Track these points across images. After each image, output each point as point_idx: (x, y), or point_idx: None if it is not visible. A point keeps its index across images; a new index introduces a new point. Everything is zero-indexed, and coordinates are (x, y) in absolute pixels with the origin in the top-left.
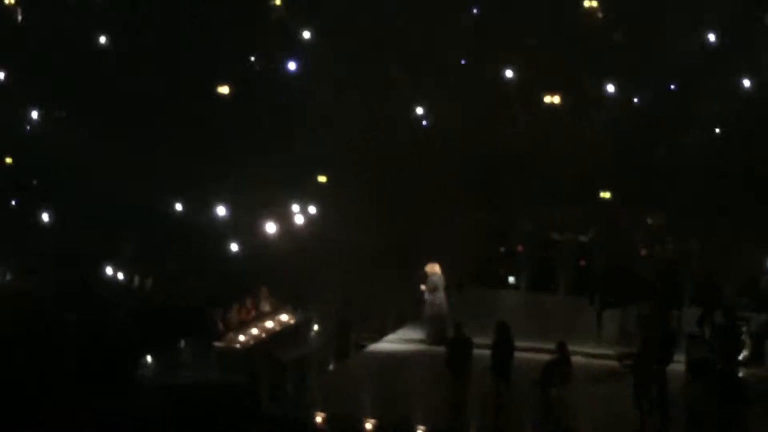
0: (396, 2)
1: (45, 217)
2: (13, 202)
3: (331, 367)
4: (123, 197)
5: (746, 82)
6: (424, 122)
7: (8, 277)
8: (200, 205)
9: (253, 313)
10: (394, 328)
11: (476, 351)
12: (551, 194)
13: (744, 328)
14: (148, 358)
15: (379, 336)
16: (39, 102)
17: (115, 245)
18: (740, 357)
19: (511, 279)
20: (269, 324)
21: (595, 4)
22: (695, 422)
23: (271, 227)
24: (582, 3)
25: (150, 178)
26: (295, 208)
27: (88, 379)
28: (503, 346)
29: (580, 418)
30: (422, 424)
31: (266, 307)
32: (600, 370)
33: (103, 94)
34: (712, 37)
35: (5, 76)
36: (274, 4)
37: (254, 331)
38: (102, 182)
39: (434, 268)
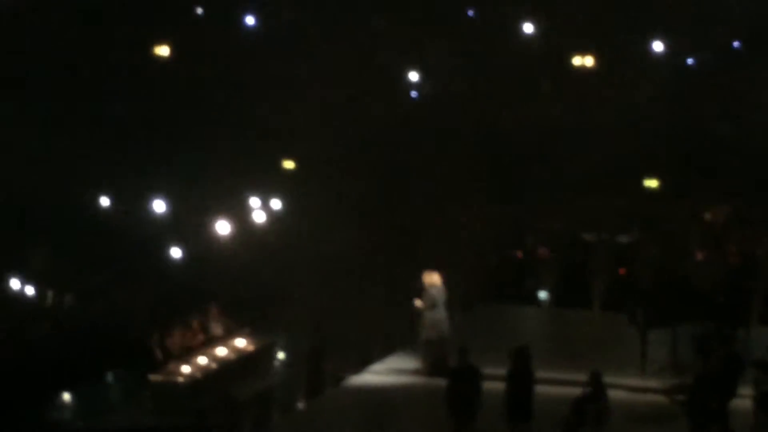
0: None
1: None
2: None
3: (300, 405)
4: (33, 190)
5: None
6: (419, 91)
7: None
8: (132, 200)
9: (201, 337)
10: (380, 356)
11: (486, 384)
12: (582, 183)
13: None
14: (66, 396)
15: (361, 366)
16: None
17: (23, 252)
18: None
19: (542, 295)
20: (221, 351)
21: None
22: None
23: (223, 227)
24: None
25: (68, 166)
26: (255, 202)
27: None
28: (521, 378)
29: None
30: None
31: (217, 330)
32: (645, 407)
33: (5, 59)
34: None
35: None
36: None
37: (202, 360)
38: (5, 171)
39: (433, 279)
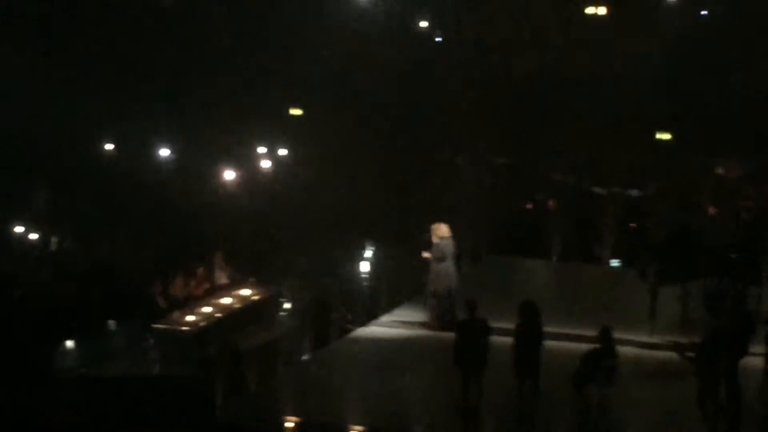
0: None
1: None
2: None
3: (305, 357)
4: (36, 134)
5: None
6: (429, 39)
7: None
8: (136, 145)
9: (206, 286)
10: (388, 308)
11: (494, 338)
12: (593, 135)
13: None
14: (69, 343)
15: (368, 318)
16: None
17: (27, 197)
18: None
19: (614, 263)
20: (226, 300)
21: None
22: None
23: (229, 174)
24: None
25: (71, 110)
26: (261, 149)
27: None
28: (529, 332)
29: (627, 427)
30: None
31: (222, 278)
32: (654, 364)
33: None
34: None
35: None
36: None
37: (206, 309)
38: (7, 115)
39: (442, 231)
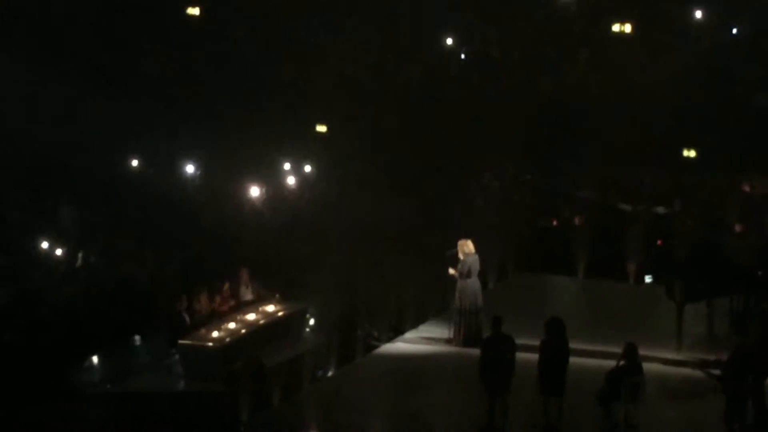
0: None
1: None
2: None
3: (330, 373)
4: (63, 151)
5: None
6: (455, 57)
7: None
8: (163, 163)
9: (231, 302)
10: (413, 324)
11: (520, 355)
12: (619, 152)
13: None
14: (95, 359)
15: (394, 334)
16: None
17: (53, 213)
18: None
19: (648, 278)
20: (251, 317)
21: None
22: None
23: (255, 192)
24: None
25: (99, 127)
26: (287, 166)
27: (17, 384)
28: (555, 349)
29: None
30: None
31: (247, 295)
32: (680, 381)
33: (36, 19)
34: None
35: None
36: None
37: (231, 325)
38: (35, 130)
39: (468, 247)
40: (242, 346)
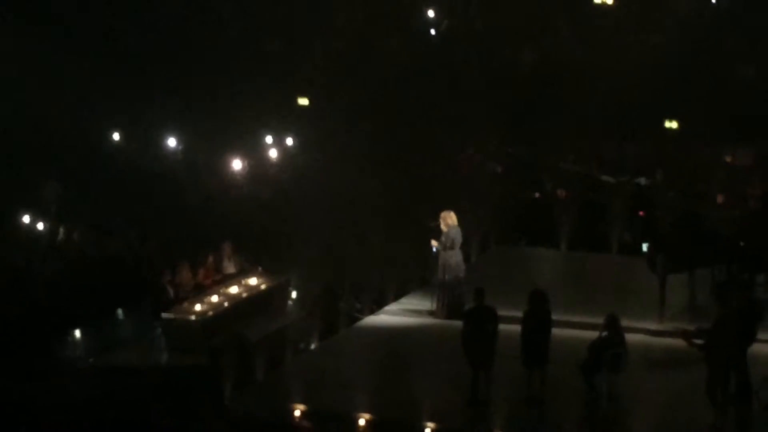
0: None
1: None
2: None
3: (313, 346)
4: (44, 124)
5: None
6: (436, 29)
7: None
8: (144, 136)
9: (214, 275)
10: (396, 297)
11: (502, 327)
12: (602, 124)
13: None
14: (76, 333)
15: (376, 306)
16: None
17: (34, 186)
18: None
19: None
20: (234, 290)
21: None
22: None
23: (237, 164)
24: None
25: (80, 100)
26: (269, 139)
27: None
28: (538, 320)
29: (635, 415)
30: (431, 423)
31: (230, 268)
32: (663, 351)
33: None
34: None
35: None
36: None
37: (214, 298)
38: (17, 104)
39: (451, 219)
40: (225, 320)
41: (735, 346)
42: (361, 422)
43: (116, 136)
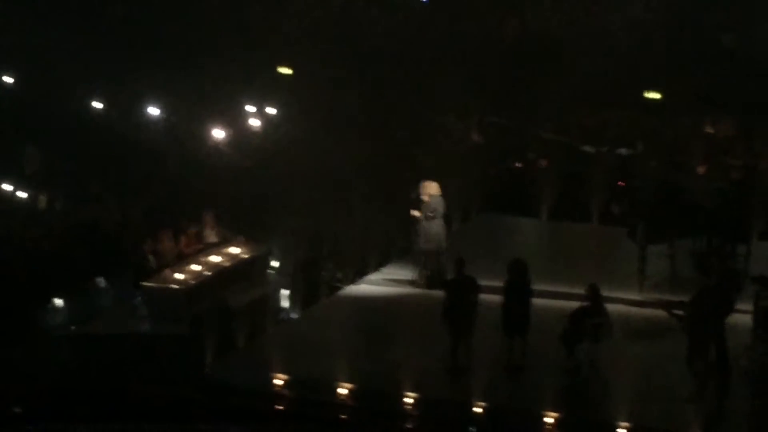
0: None
1: None
2: None
3: (294, 315)
4: (25, 91)
5: None
6: None
7: None
8: (123, 104)
9: (195, 244)
10: (376, 266)
11: (483, 296)
12: (582, 93)
13: None
14: (58, 301)
15: (357, 276)
16: None
17: (14, 154)
18: None
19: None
20: (215, 259)
21: None
22: (764, 390)
23: (218, 134)
24: None
25: (61, 67)
26: (250, 108)
27: None
28: (518, 290)
29: (616, 384)
30: (412, 392)
31: (212, 237)
32: (643, 321)
33: None
34: None
35: None
36: None
37: (196, 267)
38: None
39: (432, 189)
40: (206, 289)
41: (715, 317)
42: (342, 390)
43: (97, 105)
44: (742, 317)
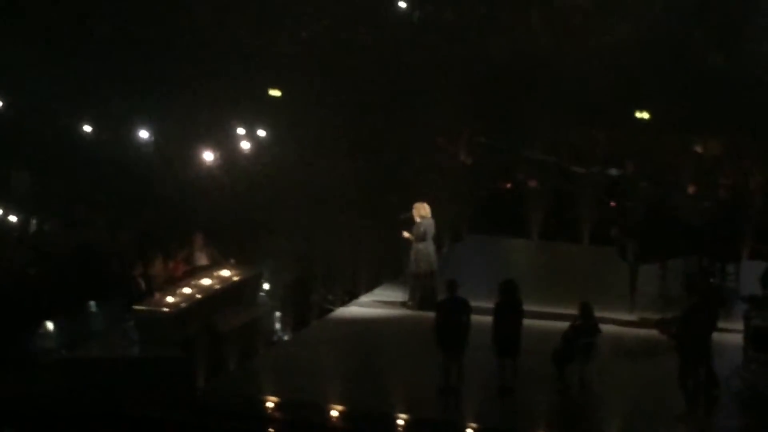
0: None
1: None
2: None
3: (285, 337)
4: (14, 115)
5: None
6: (407, 19)
7: None
8: (115, 127)
9: (186, 267)
10: (368, 288)
11: (474, 317)
12: (571, 113)
13: None
14: (49, 326)
15: (348, 298)
16: None
17: (5, 178)
18: None
19: None
20: (206, 282)
21: None
22: (755, 410)
23: (208, 156)
24: None
25: (50, 90)
26: (240, 130)
27: None
28: (509, 311)
29: (607, 404)
30: (404, 413)
31: (202, 260)
32: (634, 341)
33: None
34: None
35: None
36: None
37: (186, 290)
38: None
39: (423, 210)
40: (197, 312)
41: (700, 335)
42: (334, 413)
43: (87, 128)
44: (732, 336)
